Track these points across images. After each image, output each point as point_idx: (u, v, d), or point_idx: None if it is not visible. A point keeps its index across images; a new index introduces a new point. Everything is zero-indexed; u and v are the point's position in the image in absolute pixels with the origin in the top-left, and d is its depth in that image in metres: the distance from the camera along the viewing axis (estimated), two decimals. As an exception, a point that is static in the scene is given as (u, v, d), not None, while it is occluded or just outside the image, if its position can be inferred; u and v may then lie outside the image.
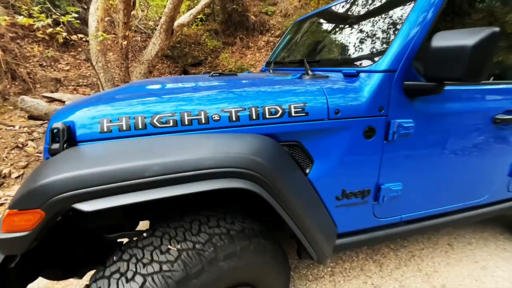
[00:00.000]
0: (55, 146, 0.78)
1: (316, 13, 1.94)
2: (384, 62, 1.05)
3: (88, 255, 1.14)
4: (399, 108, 1.08)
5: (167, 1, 6.38)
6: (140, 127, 0.84)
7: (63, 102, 4.03)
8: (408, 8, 1.10)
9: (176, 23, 8.24)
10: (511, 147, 1.39)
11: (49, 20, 4.60)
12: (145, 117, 0.85)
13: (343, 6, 1.64)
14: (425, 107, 1.13)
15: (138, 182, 0.67)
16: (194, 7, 9.59)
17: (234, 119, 0.91)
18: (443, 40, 0.93)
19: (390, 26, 1.14)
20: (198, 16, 12.81)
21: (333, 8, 1.75)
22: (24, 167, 3.03)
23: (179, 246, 0.77)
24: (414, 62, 1.05)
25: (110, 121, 0.83)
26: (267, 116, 0.95)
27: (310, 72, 1.29)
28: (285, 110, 0.96)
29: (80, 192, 0.63)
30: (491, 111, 1.25)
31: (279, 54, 2.14)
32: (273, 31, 12.45)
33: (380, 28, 1.20)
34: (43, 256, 0.98)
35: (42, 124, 3.73)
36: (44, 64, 6.90)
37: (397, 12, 1.15)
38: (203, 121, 0.89)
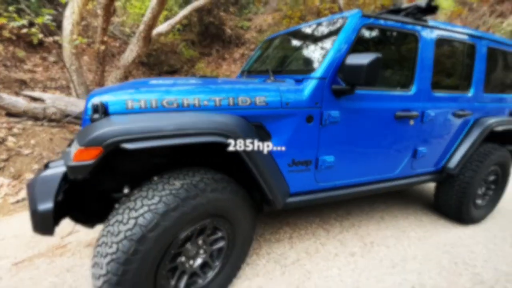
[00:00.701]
0: (96, 115, 1.15)
1: (280, 35, 2.48)
2: (319, 72, 1.57)
3: (97, 212, 1.48)
4: (329, 104, 1.61)
5: (147, 10, 6.67)
6: (154, 106, 1.24)
7: (43, 100, 4.12)
8: (334, 38, 1.65)
9: (154, 32, 8.51)
10: (411, 136, 2.00)
11: (25, 21, 4.72)
12: (157, 100, 1.26)
13: (297, 32, 2.20)
14: (347, 104, 1.66)
15: (161, 134, 1.08)
16: (171, 17, 9.94)
17: (218, 104, 1.36)
18: (352, 59, 1.47)
19: (324, 49, 1.69)
20: (176, 26, 13.13)
21: (292, 32, 2.31)
22: (5, 160, 3.13)
23: (163, 193, 1.14)
24: (338, 73, 1.59)
25: (133, 101, 1.22)
26: (240, 104, 1.40)
27: (272, 78, 1.78)
28: (252, 101, 1.43)
29: (124, 138, 1.02)
30: (392, 109, 1.84)
31: (251, 65, 2.64)
32: (248, 45, 13.12)
33: (319, 49, 1.75)
34: (70, 205, 1.32)
35: (21, 121, 3.81)
36: (8, 64, 6.73)
37: (328, 40, 1.70)
38: (197, 105, 1.32)
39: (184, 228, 1.17)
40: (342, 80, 1.56)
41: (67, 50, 5.98)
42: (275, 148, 1.53)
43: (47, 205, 1.09)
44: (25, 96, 4.26)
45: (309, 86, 1.57)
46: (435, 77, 2.02)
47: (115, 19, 11.11)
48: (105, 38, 6.94)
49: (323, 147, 1.67)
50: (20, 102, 3.98)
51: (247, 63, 2.80)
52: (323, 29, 1.89)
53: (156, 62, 12.58)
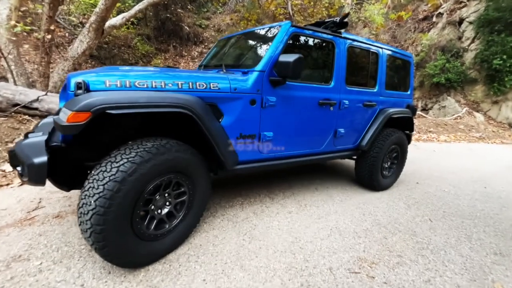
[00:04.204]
0: (80, 91, 1.44)
1: (233, 36, 2.93)
2: (259, 66, 2.06)
3: (72, 178, 1.74)
4: (268, 91, 2.11)
5: (99, 0, 6.50)
6: (128, 86, 1.57)
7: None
8: (271, 41, 2.16)
9: (107, 24, 8.26)
10: (331, 119, 2.63)
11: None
12: (130, 81, 1.59)
13: (246, 34, 2.68)
14: (282, 92, 2.19)
15: (137, 105, 1.43)
16: (125, 9, 9.68)
17: (180, 87, 1.74)
18: (283, 57, 1.99)
19: (264, 49, 2.19)
20: (130, 20, 12.66)
21: (242, 34, 2.78)
22: None
23: (138, 150, 1.50)
24: (274, 68, 2.10)
25: (110, 81, 1.54)
26: (198, 87, 1.81)
27: (224, 70, 2.22)
28: (207, 85, 1.85)
29: (108, 105, 1.34)
30: (317, 98, 2.43)
31: (208, 61, 3.05)
32: (206, 43, 13.29)
33: (260, 49, 2.25)
34: (51, 170, 1.58)
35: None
36: None
37: (267, 43, 2.21)
38: (163, 86, 1.69)
39: (154, 178, 1.53)
40: (276, 73, 2.07)
41: (3, 38, 5.59)
42: (226, 124, 1.97)
43: (42, 159, 1.36)
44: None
45: (252, 77, 2.05)
46: (349, 76, 2.69)
47: (59, 7, 10.36)
48: (52, 27, 6.60)
49: (264, 125, 2.16)
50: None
51: (204, 58, 3.19)
52: (264, 34, 2.40)
53: (108, 56, 12.00)
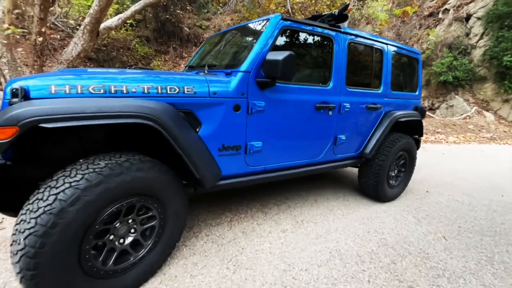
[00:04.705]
0: (15, 99, 1.17)
1: (220, 34, 2.65)
2: (244, 66, 1.77)
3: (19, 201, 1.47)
4: (254, 94, 1.82)
5: (93, 1, 6.31)
6: (79, 92, 1.30)
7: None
8: (258, 36, 1.87)
9: (102, 26, 8.08)
10: (330, 125, 2.33)
11: None
12: (82, 86, 1.32)
13: (233, 32, 2.40)
14: (272, 95, 1.90)
15: (83, 115, 1.15)
16: (123, 11, 9.49)
17: (146, 91, 1.46)
18: (271, 55, 1.70)
19: (250, 46, 1.90)
20: (128, 21, 12.53)
21: (229, 31, 2.50)
22: None
23: (86, 171, 1.22)
24: (261, 67, 1.81)
25: (57, 86, 1.27)
26: (169, 92, 1.53)
27: (206, 71, 1.94)
28: (180, 89, 1.56)
29: (42, 118, 1.07)
30: (313, 101, 2.13)
31: (194, 61, 2.77)
32: (205, 44, 13.02)
33: (246, 47, 1.96)
34: None
35: None
36: None
37: (254, 39, 1.92)
38: (125, 91, 1.41)
39: (109, 205, 1.25)
40: (264, 74, 1.78)
41: (-4, 41, 5.39)
42: (205, 133, 1.69)
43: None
44: None
45: (236, 78, 1.76)
46: (350, 75, 2.38)
47: (57, 10, 10.24)
48: (44, 29, 6.42)
49: (251, 134, 1.87)
50: None
51: (191, 59, 2.91)
52: (252, 30, 2.11)
53: (107, 58, 11.87)
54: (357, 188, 3.33)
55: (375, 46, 2.56)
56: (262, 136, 1.93)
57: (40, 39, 6.28)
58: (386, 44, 2.67)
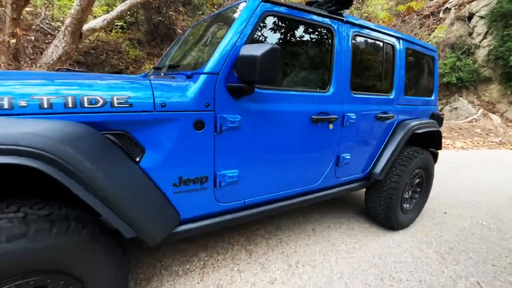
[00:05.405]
0: None
1: (192, 27, 2.13)
2: (208, 65, 1.25)
3: None
4: (225, 105, 1.29)
5: (74, 1, 5.87)
6: None
7: None
8: (231, 24, 1.35)
9: (86, 27, 7.62)
10: (331, 142, 1.80)
11: None
12: None
13: (205, 23, 1.87)
14: (251, 105, 1.37)
15: None
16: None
17: (46, 106, 0.94)
18: (247, 50, 1.18)
19: (219, 38, 1.37)
20: (118, 23, 12.03)
21: (200, 23, 1.98)
22: None
23: None
24: (234, 68, 1.28)
25: None
26: (86, 105, 1.00)
27: (162, 74, 1.42)
28: (106, 101, 1.04)
29: None
30: (307, 112, 1.61)
31: (161, 61, 2.24)
32: (199, 46, 12.56)
33: (216, 40, 1.43)
34: None
35: None
36: None
37: (225, 28, 1.39)
38: (6, 106, 0.88)
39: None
40: (237, 75, 1.26)
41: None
42: (151, 164, 1.16)
43: None
44: None
45: (197, 83, 1.24)
46: (355, 77, 1.86)
47: (41, 11, 9.79)
48: (17, 30, 5.93)
49: (222, 160, 1.35)
50: None
51: (160, 60, 2.39)
52: (227, 18, 1.58)
53: (96, 62, 11.42)
54: (363, 211, 2.80)
55: (385, 40, 2.05)
56: (238, 161, 1.41)
57: (13, 41, 5.81)
58: (399, 38, 2.16)
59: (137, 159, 1.13)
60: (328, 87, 1.72)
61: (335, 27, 1.70)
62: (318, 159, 1.77)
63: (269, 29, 1.47)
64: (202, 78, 1.24)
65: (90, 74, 1.47)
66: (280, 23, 1.51)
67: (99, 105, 1.02)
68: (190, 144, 1.23)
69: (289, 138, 1.57)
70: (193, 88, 1.22)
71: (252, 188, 1.51)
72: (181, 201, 1.27)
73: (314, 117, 1.62)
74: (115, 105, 1.05)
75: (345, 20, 1.75)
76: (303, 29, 1.63)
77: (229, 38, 1.29)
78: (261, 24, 1.40)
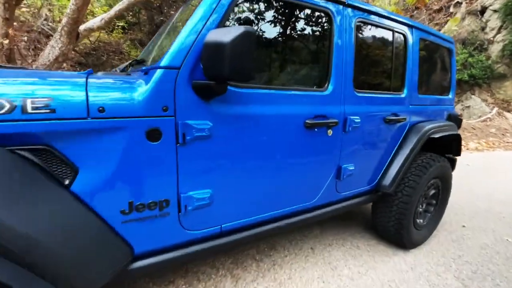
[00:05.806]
0: None
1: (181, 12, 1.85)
2: (165, 58, 0.96)
3: None
4: (190, 109, 1.01)
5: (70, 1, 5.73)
6: None
7: None
8: (197, 7, 1.06)
9: (83, 27, 7.46)
10: (330, 151, 1.50)
11: None
12: None
13: (180, 10, 1.59)
14: (225, 109, 1.08)
15: None
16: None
17: None
18: (213, 35, 0.89)
19: (182, 25, 1.09)
20: (119, 24, 11.94)
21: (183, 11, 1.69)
22: None
23: None
24: (200, 59, 1.00)
25: None
26: (-17, 111, 0.73)
27: (128, 69, 1.15)
28: (16, 105, 0.76)
29: None
30: (300, 115, 1.31)
31: (140, 56, 1.97)
32: (201, 46, 12.44)
33: (178, 28, 1.15)
34: None
35: None
36: None
37: (190, 13, 1.11)
38: None
39: None
40: (204, 70, 0.97)
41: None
42: (87, 188, 0.88)
43: None
44: None
45: (151, 81, 0.95)
46: (359, 73, 1.56)
47: (43, 12, 9.75)
48: (10, 31, 5.78)
49: (188, 178, 1.06)
50: None
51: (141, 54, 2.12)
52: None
53: (97, 63, 11.34)
54: (369, 225, 2.48)
55: (395, 29, 1.73)
56: (211, 179, 1.12)
57: (6, 41, 5.66)
58: (411, 26, 1.83)
59: (66, 181, 0.85)
60: (326, 85, 1.41)
61: (334, 10, 1.39)
62: (314, 172, 1.46)
63: (249, 11, 1.17)
64: (157, 73, 0.95)
65: (17, 70, 1.18)
66: (263, 5, 1.22)
67: (3, 111, 0.74)
68: (142, 159, 0.95)
69: (276, 148, 1.27)
70: (146, 87, 0.93)
71: (230, 210, 1.22)
72: (134, 231, 0.99)
73: (308, 121, 1.32)
74: (29, 110, 0.77)
75: (346, 3, 1.44)
76: (294, 13, 1.33)
77: (194, 21, 1.00)
78: (238, 6, 1.11)
